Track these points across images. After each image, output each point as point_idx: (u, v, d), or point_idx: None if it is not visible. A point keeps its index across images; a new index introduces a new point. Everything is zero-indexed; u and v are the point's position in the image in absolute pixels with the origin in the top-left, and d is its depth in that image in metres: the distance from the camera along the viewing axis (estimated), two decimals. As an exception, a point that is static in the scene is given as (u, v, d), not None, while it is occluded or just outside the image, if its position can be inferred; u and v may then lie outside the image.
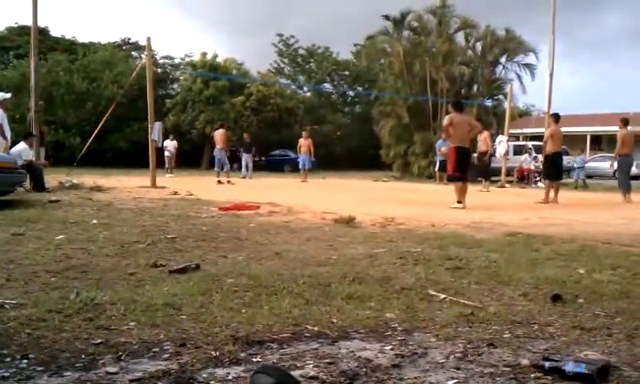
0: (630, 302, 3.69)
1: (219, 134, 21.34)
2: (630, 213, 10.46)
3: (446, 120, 11.30)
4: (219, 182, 19.37)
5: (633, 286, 4.16)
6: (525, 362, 2.62)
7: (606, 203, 13.58)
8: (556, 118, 13.76)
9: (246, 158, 24.65)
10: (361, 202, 12.20)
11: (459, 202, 10.72)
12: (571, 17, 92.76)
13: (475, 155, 19.25)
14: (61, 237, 6.02)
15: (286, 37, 51.65)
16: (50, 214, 8.21)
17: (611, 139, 41.76)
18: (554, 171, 13.51)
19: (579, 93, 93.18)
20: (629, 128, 14.29)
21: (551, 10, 22.79)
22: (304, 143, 23.72)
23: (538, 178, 23.60)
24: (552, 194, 13.04)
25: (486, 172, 19.33)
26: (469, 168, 11.66)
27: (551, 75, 23.29)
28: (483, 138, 19.04)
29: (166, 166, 24.82)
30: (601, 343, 2.92)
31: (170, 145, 25.44)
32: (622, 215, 9.96)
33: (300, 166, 23.91)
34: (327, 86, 53.10)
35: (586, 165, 35.75)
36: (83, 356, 2.62)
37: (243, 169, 24.55)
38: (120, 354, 2.65)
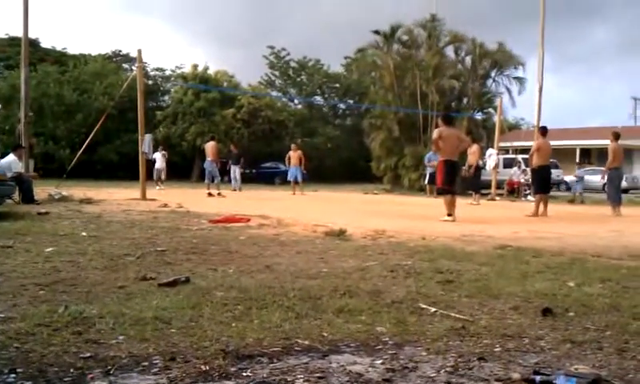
0: (619, 316, 3.70)
1: (210, 146, 21.37)
2: (620, 226, 10.50)
3: (435, 133, 11.34)
4: (210, 194, 19.34)
5: (622, 299, 4.17)
6: (516, 376, 2.61)
7: (595, 216, 13.64)
8: (543, 131, 13.86)
9: (234, 170, 24.50)
10: (351, 214, 12.20)
11: (449, 214, 10.75)
12: (560, 31, 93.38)
13: (464, 168, 19.35)
14: (50, 249, 5.98)
15: (277, 49, 51.79)
16: (39, 226, 8.17)
17: (600, 153, 42.07)
18: (542, 184, 13.52)
19: (568, 106, 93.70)
20: (619, 142, 14.32)
21: (540, 25, 22.97)
22: (293, 155, 23.63)
23: (527, 191, 23.68)
24: (542, 207, 13.07)
25: (476, 185, 19.38)
26: (457, 181, 11.69)
27: (540, 89, 23.43)
28: (473, 151, 19.10)
29: (155, 178, 24.62)
30: (591, 357, 2.93)
31: (160, 157, 25.29)
32: (611, 228, 10.00)
33: (289, 178, 23.85)
34: (318, 99, 53.18)
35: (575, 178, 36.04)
36: (72, 370, 2.60)
37: (233, 181, 24.39)
38: (109, 368, 2.63)
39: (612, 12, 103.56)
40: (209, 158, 21.09)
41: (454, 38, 30.37)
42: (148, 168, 17.84)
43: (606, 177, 14.90)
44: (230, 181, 25.13)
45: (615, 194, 14.46)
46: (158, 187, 22.91)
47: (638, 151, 44.00)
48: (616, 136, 14.31)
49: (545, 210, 13.03)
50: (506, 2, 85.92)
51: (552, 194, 17.40)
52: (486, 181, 23.60)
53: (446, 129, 11.16)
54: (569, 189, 33.40)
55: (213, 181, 20.72)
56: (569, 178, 35.34)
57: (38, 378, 2.50)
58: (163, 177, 24.93)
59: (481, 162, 20.35)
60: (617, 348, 3.06)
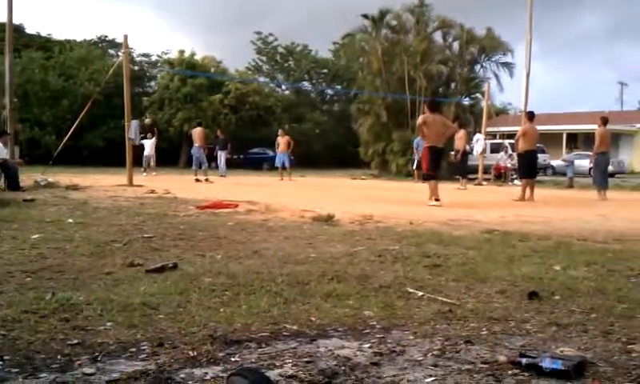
0: (605, 299, 3.74)
1: (197, 132, 21.33)
2: (605, 210, 10.58)
3: (420, 120, 11.43)
4: (197, 180, 19.33)
5: (607, 282, 4.21)
6: (502, 358, 2.63)
7: (581, 200, 13.73)
8: (530, 116, 13.90)
9: (220, 155, 24.35)
10: (339, 199, 12.21)
11: (436, 199, 10.84)
12: (548, 16, 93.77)
13: (452, 153, 19.42)
14: (36, 236, 5.95)
15: (264, 35, 51.54)
16: (26, 213, 8.12)
17: (587, 138, 42.30)
18: (528, 169, 13.61)
19: (556, 92, 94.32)
20: (607, 127, 14.41)
21: (528, 10, 22.98)
22: (281, 141, 23.54)
23: (514, 176, 23.79)
24: (528, 191, 13.15)
25: (463, 170, 19.45)
26: (442, 166, 11.75)
27: (528, 74, 23.50)
28: (460, 137, 19.14)
29: (144, 164, 24.46)
30: (577, 339, 2.96)
31: (149, 143, 25.06)
32: (597, 212, 10.07)
33: (277, 164, 23.79)
34: (306, 84, 53.05)
35: (562, 162, 36.25)
36: (59, 357, 2.59)
37: (221, 166, 24.30)
38: (97, 354, 2.62)
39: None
40: (196, 144, 21.07)
41: (442, 23, 30.35)
42: (135, 154, 17.76)
43: (593, 161, 15.04)
44: (217, 167, 25.03)
45: (602, 178, 14.55)
46: (145, 174, 22.76)
47: (625, 136, 44.31)
48: (604, 121, 14.36)
49: (531, 194, 13.12)
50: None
51: (539, 178, 17.52)
52: (474, 166, 23.69)
53: (431, 115, 11.24)
54: (555, 173, 33.65)
55: (200, 167, 20.70)
56: (555, 163, 35.61)
57: (25, 365, 2.49)
58: (152, 163, 24.74)
59: (468, 147, 20.39)
60: (602, 330, 3.09)
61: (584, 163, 34.04)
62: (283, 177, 22.64)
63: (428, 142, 11.22)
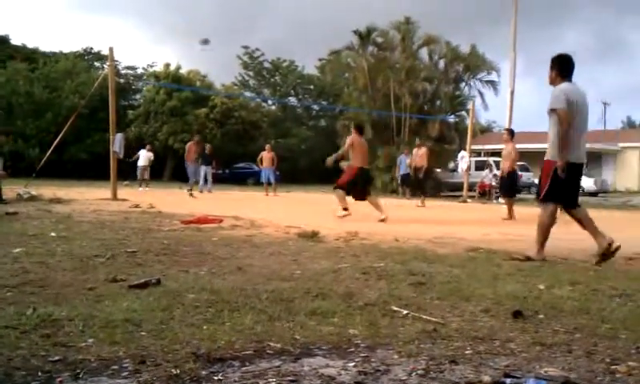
0: (589, 318, 3.75)
1: (187, 147, 21.61)
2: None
3: (348, 141, 11.95)
4: (191, 194, 19.50)
5: (591, 302, 4.22)
6: (486, 378, 2.63)
7: (565, 219, 13.79)
8: (511, 134, 13.96)
9: (205, 170, 23.94)
10: (325, 216, 12.20)
11: (345, 208, 11.34)
12: (531, 34, 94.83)
13: (412, 169, 19.56)
14: (18, 250, 5.88)
15: (251, 49, 51.67)
16: (7, 226, 8.04)
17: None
18: (512, 189, 13.85)
19: (539, 110, 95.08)
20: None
21: (512, 29, 23.22)
22: (266, 156, 23.44)
23: (498, 194, 23.92)
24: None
25: (423, 187, 19.35)
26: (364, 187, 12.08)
27: (512, 93, 23.71)
28: (421, 154, 19.10)
29: (139, 177, 24.44)
30: (561, 359, 2.96)
31: (145, 156, 24.98)
32: (580, 231, 10.11)
33: (262, 180, 23.71)
34: (292, 100, 53.20)
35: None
36: (40, 374, 2.55)
37: (201, 181, 23.65)
38: (78, 371, 2.59)
39: (582, 17, 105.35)
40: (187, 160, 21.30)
41: (428, 40, 30.60)
42: (119, 168, 17.68)
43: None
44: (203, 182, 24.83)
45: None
46: (141, 188, 22.71)
47: (608, 155, 44.77)
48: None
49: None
50: (479, 4, 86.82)
51: (522, 196, 17.64)
52: (458, 183, 23.80)
53: (358, 138, 11.86)
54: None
55: (196, 182, 20.86)
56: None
57: (4, 382, 2.45)
58: (147, 176, 24.67)
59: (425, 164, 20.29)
60: (586, 350, 3.10)
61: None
62: (268, 192, 22.59)
63: (356, 163, 11.70)
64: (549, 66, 6.66)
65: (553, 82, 6.55)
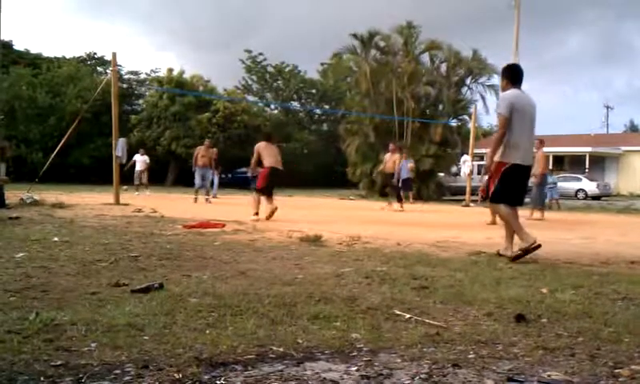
0: (591, 322, 3.74)
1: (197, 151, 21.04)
2: (591, 232, 10.64)
3: (255, 148, 12.77)
4: (207, 200, 19.30)
5: (594, 305, 4.22)
6: (489, 382, 2.62)
7: (566, 223, 13.81)
8: None
9: (213, 175, 23.81)
10: (327, 220, 12.20)
11: (256, 213, 11.91)
12: (534, 38, 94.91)
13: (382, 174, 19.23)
14: (21, 255, 5.89)
15: (254, 53, 51.73)
16: (10, 231, 8.05)
17: (573, 159, 42.77)
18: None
19: (542, 113, 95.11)
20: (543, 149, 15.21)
21: (514, 34, 23.23)
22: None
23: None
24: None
25: (397, 192, 18.77)
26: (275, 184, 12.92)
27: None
28: (394, 160, 18.57)
29: (136, 182, 24.17)
30: (564, 363, 2.95)
31: (140, 160, 24.66)
32: (582, 235, 10.13)
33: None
34: (294, 104, 53.25)
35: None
36: (42, 378, 2.55)
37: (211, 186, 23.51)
38: (81, 376, 2.59)
39: (586, 21, 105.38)
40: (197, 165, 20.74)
41: (430, 45, 30.60)
42: (122, 172, 17.69)
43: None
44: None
45: (541, 198, 15.59)
46: (137, 192, 22.56)
47: (610, 158, 44.73)
48: (542, 143, 14.91)
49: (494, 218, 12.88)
50: (481, 7, 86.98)
51: (525, 199, 17.60)
52: (461, 187, 23.78)
53: (264, 144, 12.81)
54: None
55: (202, 186, 20.51)
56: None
57: (7, 387, 2.45)
58: (144, 180, 24.41)
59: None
60: (589, 354, 3.09)
61: (568, 186, 34.41)
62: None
63: (267, 164, 12.45)
64: (501, 75, 7.36)
65: (504, 90, 7.07)
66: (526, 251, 6.59)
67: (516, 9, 23.81)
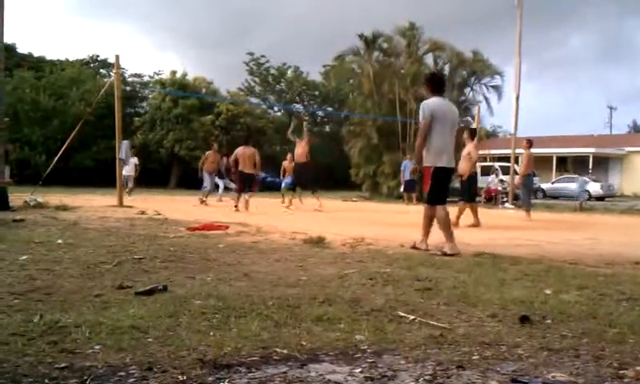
0: (596, 323, 3.73)
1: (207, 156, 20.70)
2: (596, 234, 10.62)
3: (235, 153, 16.58)
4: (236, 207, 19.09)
5: (599, 306, 4.21)
6: (494, 384, 2.62)
7: (571, 223, 13.79)
8: (472, 133, 13.25)
9: (222, 178, 23.13)
10: (330, 221, 12.20)
11: (235, 206, 15.48)
12: (536, 37, 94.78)
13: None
14: (25, 257, 5.89)
15: (257, 56, 51.79)
16: (14, 233, 8.06)
17: (576, 160, 42.68)
18: (470, 193, 12.84)
19: (544, 113, 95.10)
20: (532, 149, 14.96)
21: (517, 35, 23.22)
22: (288, 166, 22.10)
23: (505, 199, 23.89)
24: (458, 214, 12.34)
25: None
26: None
27: (517, 98, 23.72)
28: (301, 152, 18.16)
29: (129, 186, 23.30)
30: (568, 364, 2.94)
31: (131, 162, 23.99)
32: (587, 236, 10.11)
33: (283, 187, 22.22)
34: (297, 106, 53.27)
35: (553, 185, 36.53)
36: (47, 380, 2.55)
37: (221, 189, 22.82)
38: (85, 378, 2.59)
39: (587, 20, 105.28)
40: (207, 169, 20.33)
41: (433, 46, 30.58)
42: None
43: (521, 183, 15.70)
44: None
45: (529, 199, 15.44)
46: (131, 197, 22.16)
47: (614, 159, 44.66)
48: (529, 143, 14.83)
49: (476, 218, 12.54)
50: (483, 7, 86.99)
51: (535, 201, 17.60)
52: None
53: (241, 148, 16.68)
54: (545, 196, 33.86)
55: (218, 189, 20.26)
56: (545, 186, 35.83)
57: (11, 389, 2.45)
58: (131, 184, 23.67)
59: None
60: (593, 355, 3.08)
61: (572, 186, 34.38)
62: (291, 201, 21.26)
63: (241, 168, 16.40)
64: (424, 84, 7.97)
65: (427, 98, 7.56)
66: (416, 248, 7.37)
67: (519, 8, 23.82)
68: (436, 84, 7.62)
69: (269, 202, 20.45)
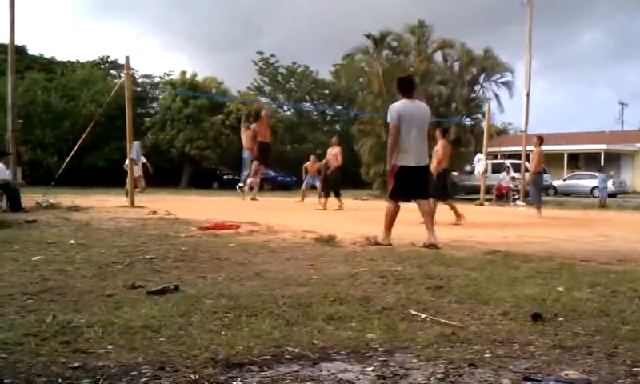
0: (609, 320, 3.71)
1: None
2: (608, 230, 10.56)
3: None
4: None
5: (611, 303, 4.19)
6: (506, 382, 2.61)
7: (583, 220, 13.72)
8: (443, 132, 13.00)
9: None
10: (341, 220, 12.19)
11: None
12: (546, 34, 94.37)
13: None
14: (37, 258, 5.93)
15: (266, 55, 51.84)
16: (27, 234, 8.11)
17: (588, 157, 42.46)
18: (444, 190, 12.46)
19: (555, 110, 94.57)
20: (542, 146, 14.96)
21: (527, 31, 23.12)
22: (311, 168, 21.38)
23: (516, 196, 23.79)
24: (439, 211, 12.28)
25: (336, 188, 17.88)
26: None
27: (528, 95, 23.63)
28: (334, 154, 17.97)
29: (141, 185, 22.68)
30: (581, 362, 2.93)
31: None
32: (599, 233, 10.06)
33: (305, 185, 21.49)
34: (307, 105, 53.28)
35: (564, 182, 36.35)
36: (60, 380, 2.57)
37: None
38: (98, 378, 2.60)
39: (599, 16, 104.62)
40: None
41: (442, 44, 30.48)
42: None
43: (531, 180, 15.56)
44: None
45: (539, 196, 15.35)
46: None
47: (626, 156, 44.38)
48: (540, 140, 14.83)
49: (458, 216, 12.27)
50: (493, 4, 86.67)
51: (546, 198, 17.53)
52: (475, 186, 23.70)
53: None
54: (557, 193, 33.70)
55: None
56: (557, 183, 35.66)
57: (25, 389, 2.47)
58: (142, 184, 23.11)
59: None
60: (606, 353, 3.07)
61: (583, 183, 34.25)
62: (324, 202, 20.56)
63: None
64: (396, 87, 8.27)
65: (397, 100, 7.93)
66: (377, 244, 7.61)
67: (529, 6, 23.72)
68: (404, 87, 8.00)
69: (280, 202, 20.50)
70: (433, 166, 12.02)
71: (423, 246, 7.38)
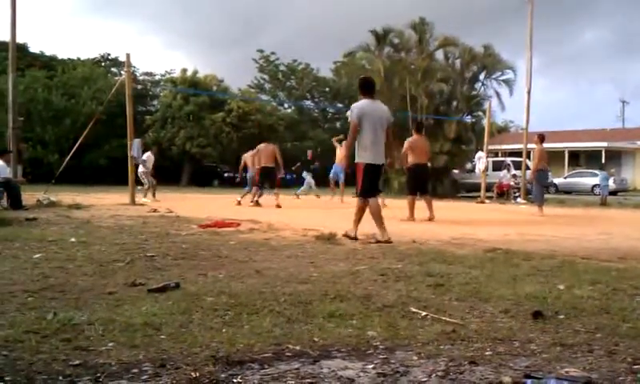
0: (609, 318, 3.71)
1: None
2: (609, 228, 10.55)
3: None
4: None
5: (612, 301, 4.19)
6: (506, 379, 2.61)
7: (584, 218, 13.71)
8: (417, 127, 13.00)
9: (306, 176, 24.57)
10: (342, 218, 12.18)
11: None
12: (548, 32, 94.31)
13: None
14: (38, 255, 5.94)
15: (266, 53, 51.83)
16: (28, 232, 8.11)
17: (589, 155, 42.43)
18: (416, 184, 12.48)
19: (555, 107, 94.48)
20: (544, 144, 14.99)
21: (528, 29, 23.10)
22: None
23: (517, 194, 23.77)
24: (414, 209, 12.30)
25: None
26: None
27: (529, 92, 23.61)
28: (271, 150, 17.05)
29: (146, 185, 22.04)
30: (582, 359, 2.93)
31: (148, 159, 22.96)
32: (600, 230, 10.05)
33: (331, 176, 21.87)
34: (308, 103, 53.28)
35: (565, 180, 36.33)
36: (61, 378, 2.58)
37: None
38: (98, 375, 2.61)
39: (600, 14, 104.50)
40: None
41: (444, 42, 30.42)
42: (137, 173, 17.73)
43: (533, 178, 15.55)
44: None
45: (541, 194, 15.30)
46: (144, 199, 21.05)
47: (627, 153, 44.34)
48: (541, 138, 14.86)
49: (431, 211, 12.19)
50: (494, 2, 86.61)
51: (547, 196, 17.50)
52: (476, 183, 23.69)
53: (265, 145, 16.65)
54: (558, 191, 33.69)
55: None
56: (558, 181, 35.64)
57: (26, 387, 2.47)
58: (147, 182, 22.49)
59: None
60: (607, 350, 3.07)
61: (584, 181, 34.24)
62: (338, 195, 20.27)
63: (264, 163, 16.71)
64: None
65: (359, 100, 8.15)
66: (347, 236, 7.89)
67: (530, 3, 23.70)
68: (366, 87, 8.23)
69: (281, 199, 20.49)
70: (409, 161, 12.51)
71: (375, 242, 7.60)
